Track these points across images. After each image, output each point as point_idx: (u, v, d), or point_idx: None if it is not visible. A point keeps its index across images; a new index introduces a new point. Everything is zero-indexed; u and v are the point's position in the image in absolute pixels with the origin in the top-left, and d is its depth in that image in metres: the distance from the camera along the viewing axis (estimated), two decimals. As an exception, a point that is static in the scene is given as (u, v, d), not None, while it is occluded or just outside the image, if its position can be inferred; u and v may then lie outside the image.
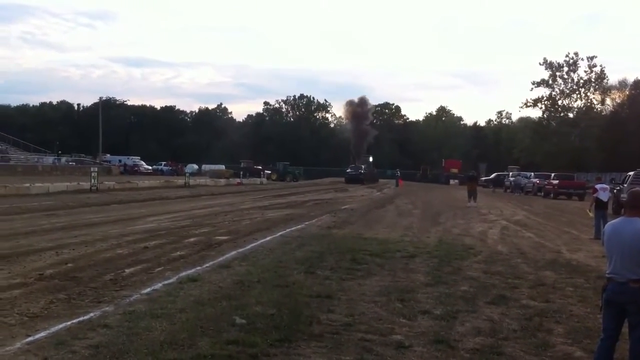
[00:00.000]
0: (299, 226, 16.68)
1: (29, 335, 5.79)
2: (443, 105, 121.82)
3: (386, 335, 6.18)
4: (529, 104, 79.38)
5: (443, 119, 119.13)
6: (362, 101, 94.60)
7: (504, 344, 6.05)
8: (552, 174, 44.57)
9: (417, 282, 9.01)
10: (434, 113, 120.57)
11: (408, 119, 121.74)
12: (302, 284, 8.42)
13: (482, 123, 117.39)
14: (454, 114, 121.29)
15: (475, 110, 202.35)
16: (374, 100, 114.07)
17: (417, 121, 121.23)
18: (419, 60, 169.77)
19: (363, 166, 70.77)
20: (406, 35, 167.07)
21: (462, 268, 10.43)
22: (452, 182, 72.31)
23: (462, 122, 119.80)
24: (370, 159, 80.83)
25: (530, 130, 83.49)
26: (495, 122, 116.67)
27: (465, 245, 13.69)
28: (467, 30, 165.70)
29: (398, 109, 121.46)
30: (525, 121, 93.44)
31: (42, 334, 5.85)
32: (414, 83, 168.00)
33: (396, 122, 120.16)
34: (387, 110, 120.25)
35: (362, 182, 61.03)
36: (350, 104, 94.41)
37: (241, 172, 62.35)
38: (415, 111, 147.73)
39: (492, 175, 63.80)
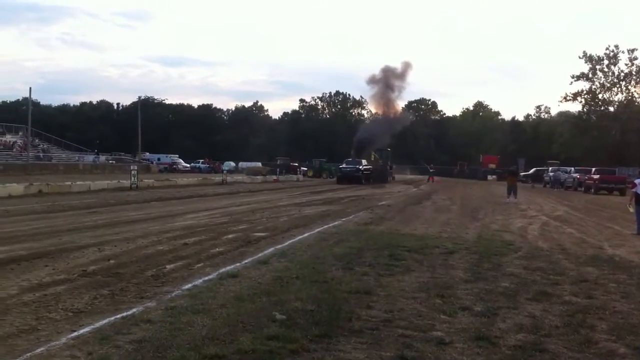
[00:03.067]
0: (336, 222, 16.69)
1: (74, 331, 5.89)
2: (480, 100, 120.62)
3: (426, 331, 6.15)
4: (568, 98, 78.09)
5: (480, 114, 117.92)
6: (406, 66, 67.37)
7: (547, 340, 5.97)
8: (593, 169, 43.79)
9: (456, 279, 8.94)
10: (471, 108, 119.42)
11: (444, 114, 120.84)
12: (340, 280, 8.42)
13: (520, 117, 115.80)
14: (491, 109, 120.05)
15: (513, 105, 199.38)
16: (411, 95, 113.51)
17: (454, 116, 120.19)
18: (456, 55, 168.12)
19: (363, 161, 53.98)
20: (442, 30, 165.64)
21: (502, 264, 10.31)
22: (489, 177, 71.47)
23: (499, 117, 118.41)
24: (387, 155, 62.19)
25: (569, 124, 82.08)
26: (533, 117, 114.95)
27: (504, 241, 13.53)
28: (504, 25, 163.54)
29: (434, 104, 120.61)
30: (564, 115, 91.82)
31: (87, 329, 5.95)
32: (451, 78, 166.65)
33: (432, 117, 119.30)
34: (423, 106, 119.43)
35: (361, 181, 48.78)
36: (388, 69, 66.37)
37: (278, 169, 62.61)
38: (452, 106, 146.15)
39: (531, 171, 62.93)
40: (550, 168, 57.60)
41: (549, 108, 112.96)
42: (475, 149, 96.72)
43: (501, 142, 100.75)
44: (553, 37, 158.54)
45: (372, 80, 66.67)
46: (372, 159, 58.84)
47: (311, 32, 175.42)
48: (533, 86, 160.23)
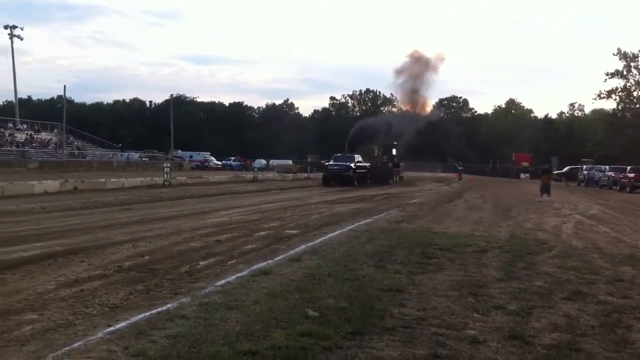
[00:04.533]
0: (367, 220, 16.68)
1: (110, 325, 5.98)
2: (512, 97, 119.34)
3: (460, 329, 6.11)
4: (602, 96, 76.67)
5: (512, 111, 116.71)
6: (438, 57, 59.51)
7: (582, 340, 5.90)
8: (628, 167, 43.04)
9: (489, 277, 8.87)
10: (503, 106, 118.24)
11: (476, 112, 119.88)
12: (372, 278, 8.41)
13: (553, 115, 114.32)
14: (523, 107, 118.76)
15: (546, 102, 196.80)
16: (442, 93, 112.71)
17: (486, 114, 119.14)
18: (489, 52, 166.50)
19: (357, 156, 43.13)
20: (474, 28, 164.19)
21: (536, 263, 10.20)
22: (522, 175, 70.67)
23: (532, 115, 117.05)
24: (394, 150, 52.14)
25: (604, 122, 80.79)
26: (567, 115, 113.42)
27: (538, 239, 13.38)
28: (537, 22, 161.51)
29: (466, 102, 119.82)
30: (598, 113, 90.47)
31: (123, 324, 6.04)
32: (483, 76, 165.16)
33: (464, 115, 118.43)
34: (454, 104, 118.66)
35: (353, 182, 39.32)
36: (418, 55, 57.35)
37: (308, 167, 62.71)
38: (483, 104, 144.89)
39: (565, 169, 62.08)
40: (584, 166, 56.73)
41: (583, 106, 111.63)
42: (507, 147, 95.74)
43: (534, 140, 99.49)
44: (587, 34, 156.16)
45: (401, 71, 57.19)
46: (375, 155, 50.97)
47: (342, 30, 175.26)
48: (566, 83, 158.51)
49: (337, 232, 13.73)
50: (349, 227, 14.73)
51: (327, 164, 43.10)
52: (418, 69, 56.63)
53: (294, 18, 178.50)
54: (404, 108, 69.97)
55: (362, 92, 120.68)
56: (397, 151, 52.76)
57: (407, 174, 56.44)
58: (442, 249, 11.20)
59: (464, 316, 6.63)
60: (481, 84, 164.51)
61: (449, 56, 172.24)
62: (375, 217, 17.75)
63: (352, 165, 40.60)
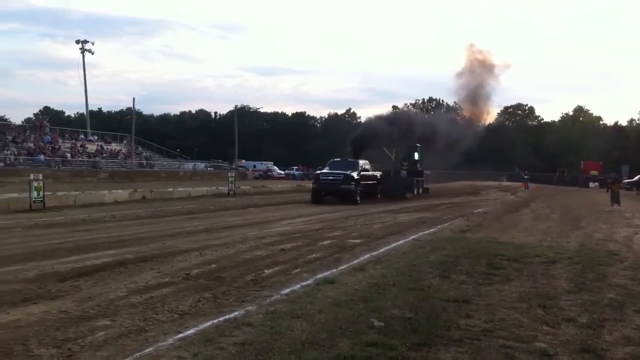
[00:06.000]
0: (431, 230, 16.52)
1: (179, 332, 6.11)
2: (580, 104, 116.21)
3: (528, 342, 5.99)
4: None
5: (581, 119, 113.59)
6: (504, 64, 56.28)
7: (658, 355, 5.70)
8: None
9: (558, 289, 8.65)
10: (571, 113, 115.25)
11: (542, 119, 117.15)
12: (437, 288, 8.34)
13: (623, 122, 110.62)
14: (592, 114, 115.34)
15: (615, 110, 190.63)
16: (507, 101, 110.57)
17: (553, 122, 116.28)
18: (556, 59, 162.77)
19: (362, 162, 32.03)
20: (541, 35, 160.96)
21: (607, 275, 9.90)
22: (591, 184, 68.62)
23: (601, 122, 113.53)
24: (416, 155, 40.82)
25: (678, 129, 77.71)
26: (638, 122, 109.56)
27: (609, 250, 12.98)
28: (606, 27, 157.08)
29: (532, 109, 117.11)
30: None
31: (191, 330, 6.17)
32: (550, 83, 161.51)
33: (530, 123, 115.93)
34: (520, 111, 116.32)
35: (355, 197, 29.21)
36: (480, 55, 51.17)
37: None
38: (550, 112, 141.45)
39: (636, 178, 59.96)
40: (657, 175, 54.57)
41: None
42: (574, 155, 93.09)
43: (603, 148, 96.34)
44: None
45: (462, 74, 50.78)
46: (394, 159, 39.88)
47: (403, 40, 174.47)
48: (637, 90, 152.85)
49: (400, 242, 13.65)
50: (412, 237, 14.63)
51: (319, 172, 31.41)
52: (480, 74, 52.48)
53: (356, 28, 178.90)
54: (466, 115, 65.35)
55: (425, 100, 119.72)
56: (420, 155, 41.59)
57: (458, 183, 54.55)
58: (508, 260, 11.00)
59: (533, 328, 6.50)
60: (547, 91, 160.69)
61: (514, 62, 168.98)
62: (439, 226, 17.57)
63: (354, 174, 29.67)
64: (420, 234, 15.40)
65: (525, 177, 61.43)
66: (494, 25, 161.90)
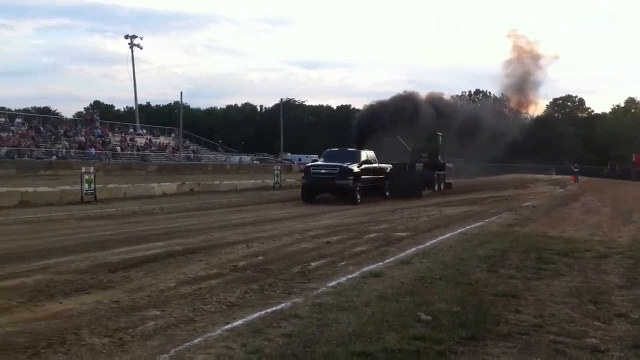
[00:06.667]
0: (478, 223, 16.33)
1: (228, 323, 6.18)
2: (632, 96, 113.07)
3: (579, 338, 5.88)
4: None
5: (632, 110, 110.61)
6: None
7: None
8: None
9: (610, 284, 8.47)
10: (622, 104, 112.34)
11: (593, 111, 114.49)
12: (485, 282, 8.24)
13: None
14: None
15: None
16: (556, 92, 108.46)
17: (603, 114, 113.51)
18: (607, 49, 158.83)
19: (366, 154, 26.60)
20: (592, 25, 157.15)
21: (661, 270, 9.64)
22: (644, 178, 66.78)
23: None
24: (437, 145, 36.59)
25: None
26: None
27: (663, 245, 12.63)
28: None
29: (582, 101, 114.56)
30: None
31: (239, 321, 6.23)
32: (601, 74, 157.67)
33: (579, 115, 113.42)
34: (569, 103, 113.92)
35: (354, 194, 24.21)
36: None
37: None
38: (601, 103, 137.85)
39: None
40: None
41: None
42: (626, 148, 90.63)
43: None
44: None
45: (509, 63, 48.39)
46: (410, 150, 35.66)
47: (448, 32, 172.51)
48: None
49: (447, 235, 13.53)
50: (459, 230, 14.49)
51: (309, 165, 26.67)
52: (527, 62, 50.63)
53: (401, 20, 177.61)
54: (513, 106, 62.89)
55: (472, 92, 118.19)
56: (442, 145, 36.84)
57: (505, 177, 52.69)
58: (558, 254, 10.80)
59: (584, 324, 6.37)
60: (599, 83, 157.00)
61: (564, 53, 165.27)
62: (486, 220, 17.34)
63: (354, 167, 24.63)
64: (467, 227, 15.23)
65: (575, 170, 60.00)
66: (542, 14, 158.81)
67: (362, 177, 24.91)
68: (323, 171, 24.59)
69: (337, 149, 28.02)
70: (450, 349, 5.40)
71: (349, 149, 27.30)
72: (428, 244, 12.11)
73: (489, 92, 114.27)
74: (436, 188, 33.46)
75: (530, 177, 58.58)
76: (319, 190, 24.81)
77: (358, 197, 24.23)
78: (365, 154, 26.35)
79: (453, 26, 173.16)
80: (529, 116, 61.79)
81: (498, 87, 59.25)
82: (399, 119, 33.63)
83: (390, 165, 28.86)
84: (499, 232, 14.30)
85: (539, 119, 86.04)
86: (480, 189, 37.98)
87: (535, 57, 48.20)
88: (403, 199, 25.90)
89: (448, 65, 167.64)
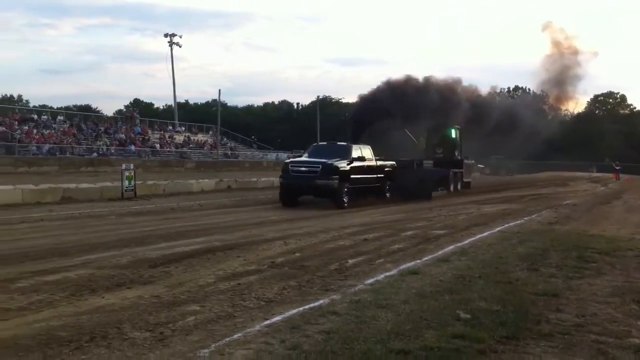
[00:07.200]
0: (517, 221, 16.13)
1: (266, 319, 6.20)
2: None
3: (622, 338, 5.77)
4: None
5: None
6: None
7: None
8: None
9: (654, 284, 8.30)
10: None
11: (635, 108, 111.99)
12: (525, 281, 8.14)
13: None
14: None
15: None
16: (597, 89, 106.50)
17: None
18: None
19: (362, 149, 22.83)
20: (626, 17, 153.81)
21: None
22: (690, 176, 65.12)
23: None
24: (452, 138, 33.05)
25: None
26: None
27: None
28: None
29: (623, 97, 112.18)
30: None
31: (278, 317, 6.25)
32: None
33: (621, 112, 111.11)
34: (610, 100, 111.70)
35: (340, 196, 20.61)
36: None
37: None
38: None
39: None
40: None
41: None
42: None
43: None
44: None
45: (549, 57, 47.40)
46: (417, 144, 32.67)
47: (487, 27, 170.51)
48: None
49: (486, 233, 13.40)
50: (498, 228, 14.33)
51: (289, 161, 23.79)
52: (566, 56, 49.37)
53: (438, 16, 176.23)
54: (552, 101, 60.86)
55: (510, 89, 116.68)
56: (459, 140, 33.04)
57: (544, 174, 51.52)
58: (600, 253, 10.60)
59: (627, 324, 6.25)
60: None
61: (605, 48, 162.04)
62: (525, 218, 17.13)
63: (342, 164, 21.14)
64: (506, 225, 15.06)
65: (617, 168, 58.81)
66: (579, 8, 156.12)
67: (353, 176, 21.36)
68: (303, 169, 21.13)
69: (325, 143, 25.55)
70: (491, 348, 5.34)
71: (338, 143, 23.84)
72: (466, 242, 12.00)
73: (529, 89, 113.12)
74: (452, 188, 30.05)
75: (569, 175, 57.57)
76: (299, 191, 21.30)
77: (345, 200, 20.66)
78: (359, 149, 22.59)
79: (490, 21, 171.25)
80: (569, 113, 60.75)
81: (537, 83, 57.45)
82: (407, 108, 29.56)
83: (393, 163, 25.14)
84: (539, 230, 14.11)
85: (579, 116, 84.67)
86: (519, 186, 37.54)
87: (574, 52, 47.41)
88: (409, 201, 22.86)
89: (487, 61, 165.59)
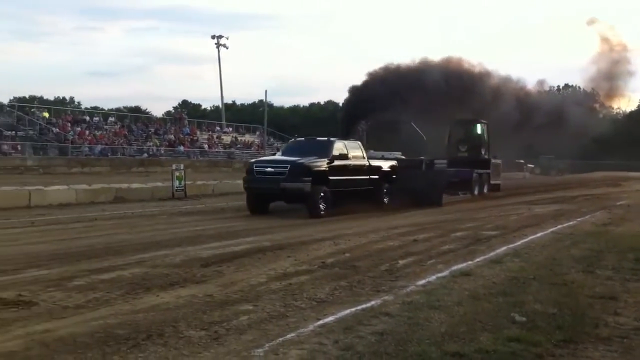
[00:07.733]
0: (570, 222, 15.81)
1: (319, 319, 6.20)
2: None
3: (685, 343, 5.61)
4: None
5: None
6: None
7: None
8: None
9: None
10: None
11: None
12: (581, 284, 7.96)
13: None
14: None
15: None
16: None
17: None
18: None
19: (347, 146, 19.01)
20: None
21: None
22: None
23: None
24: (481, 128, 28.78)
25: None
26: None
27: None
28: None
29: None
30: None
31: (330, 318, 6.25)
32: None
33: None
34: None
35: (315, 202, 16.74)
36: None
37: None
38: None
39: None
40: None
41: None
42: None
43: None
44: None
45: (599, 53, 44.32)
46: (448, 141, 28.71)
47: (536, 26, 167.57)
48: None
49: (538, 235, 13.16)
50: (551, 229, 14.07)
51: (254, 161, 19.62)
52: (616, 51, 47.60)
53: (484, 15, 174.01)
54: (602, 98, 58.25)
55: (560, 87, 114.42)
56: (486, 136, 28.78)
57: (595, 174, 50.41)
58: (657, 255, 10.31)
59: (689, 328, 6.07)
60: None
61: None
62: (579, 219, 16.76)
63: (317, 163, 17.54)
64: (559, 226, 14.76)
65: None
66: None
67: (333, 177, 17.67)
68: (269, 169, 17.50)
69: (303, 138, 22.65)
70: (548, 352, 5.24)
71: (318, 139, 19.97)
72: (519, 243, 11.81)
73: (579, 87, 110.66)
74: (476, 192, 26.02)
75: (622, 175, 56.05)
76: (265, 197, 17.78)
77: (322, 207, 16.99)
78: (343, 146, 18.88)
79: (531, 15, 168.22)
80: (620, 111, 59.27)
81: (586, 79, 55.71)
82: (421, 99, 26.01)
83: (393, 162, 21.80)
84: (592, 231, 13.79)
85: (631, 115, 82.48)
86: (570, 186, 36.79)
87: (624, 48, 46.12)
88: (412, 208, 19.52)
89: (535, 58, 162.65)
